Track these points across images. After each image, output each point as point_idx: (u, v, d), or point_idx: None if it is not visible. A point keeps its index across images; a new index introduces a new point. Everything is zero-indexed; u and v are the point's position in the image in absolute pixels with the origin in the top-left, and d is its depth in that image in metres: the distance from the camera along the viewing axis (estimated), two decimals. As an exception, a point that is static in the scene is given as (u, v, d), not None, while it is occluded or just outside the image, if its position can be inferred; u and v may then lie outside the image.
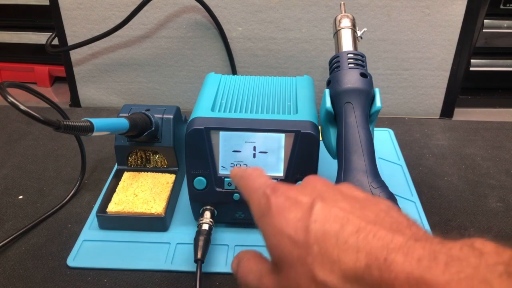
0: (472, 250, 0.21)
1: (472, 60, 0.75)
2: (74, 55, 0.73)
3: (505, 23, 0.73)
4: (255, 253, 0.32)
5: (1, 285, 0.42)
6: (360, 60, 0.45)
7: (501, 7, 0.72)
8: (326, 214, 0.26)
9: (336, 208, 0.26)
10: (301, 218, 0.26)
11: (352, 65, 0.44)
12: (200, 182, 0.45)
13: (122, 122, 0.45)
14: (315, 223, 0.26)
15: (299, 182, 0.44)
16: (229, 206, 0.46)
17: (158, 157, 0.53)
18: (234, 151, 0.44)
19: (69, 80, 0.75)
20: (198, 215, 0.46)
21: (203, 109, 0.45)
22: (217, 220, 0.47)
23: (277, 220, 0.27)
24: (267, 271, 0.29)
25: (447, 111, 0.74)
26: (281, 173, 0.44)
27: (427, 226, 0.49)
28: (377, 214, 0.26)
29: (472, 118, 0.73)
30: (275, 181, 0.31)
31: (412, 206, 0.52)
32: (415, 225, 0.26)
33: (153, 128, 0.50)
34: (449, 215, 0.51)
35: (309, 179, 0.31)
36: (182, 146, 0.54)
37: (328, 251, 0.24)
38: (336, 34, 0.48)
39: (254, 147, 0.44)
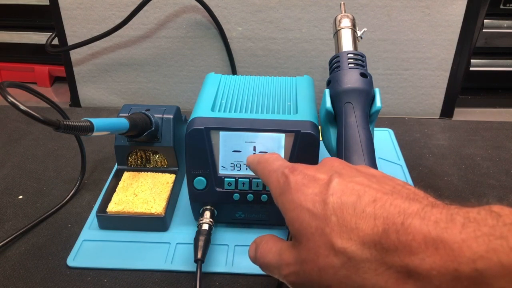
0: (489, 213, 0.22)
1: (472, 60, 0.75)
2: (74, 55, 0.73)
3: (505, 23, 0.73)
4: (272, 235, 0.32)
5: (1, 285, 0.42)
6: (360, 60, 0.45)
7: (501, 7, 0.72)
8: (343, 188, 0.27)
9: (352, 183, 0.27)
10: (318, 192, 0.27)
11: (352, 65, 0.44)
12: (200, 182, 0.45)
13: (122, 122, 0.45)
14: (332, 196, 0.26)
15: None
16: (229, 206, 0.46)
17: (158, 157, 0.53)
18: (234, 151, 0.44)
19: (69, 80, 0.75)
20: (198, 215, 0.46)
21: (203, 109, 0.45)
22: (217, 220, 0.47)
23: (296, 196, 0.28)
24: (286, 247, 0.29)
25: (447, 111, 0.74)
26: (281, 173, 0.44)
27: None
28: (394, 187, 0.27)
29: (472, 118, 0.73)
30: None
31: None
32: (431, 197, 0.26)
33: (153, 128, 0.50)
34: (449, 215, 0.51)
35: (326, 160, 0.32)
36: (182, 146, 0.54)
37: (345, 221, 0.25)
38: (336, 34, 0.48)
39: (254, 147, 0.44)
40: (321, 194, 0.27)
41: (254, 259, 0.32)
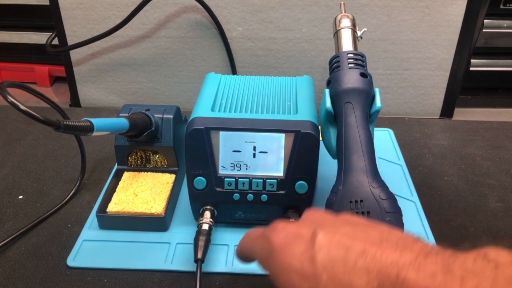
0: (487, 262, 0.21)
1: (472, 60, 0.75)
2: (74, 55, 0.73)
3: (505, 23, 0.73)
4: None
5: (1, 285, 0.42)
6: (360, 60, 0.45)
7: (501, 7, 0.72)
8: (329, 241, 0.25)
9: (338, 234, 0.26)
10: (305, 250, 0.26)
11: (352, 65, 0.44)
12: (200, 182, 0.45)
13: (122, 122, 0.45)
14: (320, 252, 0.25)
15: (300, 182, 0.44)
16: (229, 206, 0.46)
17: (158, 157, 0.53)
18: (234, 151, 0.44)
19: (69, 80, 0.75)
20: (198, 215, 0.46)
21: (203, 109, 0.45)
22: (217, 220, 0.47)
23: (282, 257, 0.27)
24: None
25: (447, 111, 0.74)
26: (281, 173, 0.44)
27: (427, 226, 0.49)
28: (381, 234, 0.26)
29: (472, 118, 0.73)
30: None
31: (412, 206, 0.52)
32: (421, 241, 0.25)
33: (153, 128, 0.50)
34: (449, 215, 0.51)
35: (308, 212, 0.31)
36: (182, 146, 0.54)
37: (337, 277, 0.24)
38: (336, 34, 0.48)
39: (254, 147, 0.44)
40: (308, 252, 0.26)
41: None
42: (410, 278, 0.22)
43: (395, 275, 0.22)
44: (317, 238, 0.26)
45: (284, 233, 0.28)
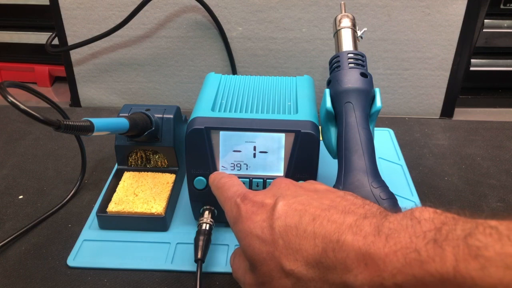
0: (410, 220, 0.24)
1: (472, 60, 0.75)
2: (74, 55, 0.73)
3: (505, 23, 0.73)
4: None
5: (1, 285, 0.42)
6: (360, 60, 0.45)
7: (501, 7, 0.72)
8: (286, 210, 0.29)
9: (295, 203, 0.29)
10: (266, 218, 0.29)
11: (352, 64, 0.44)
12: (200, 182, 0.45)
13: (122, 122, 0.45)
14: (278, 220, 0.28)
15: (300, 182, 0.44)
16: (229, 206, 0.46)
17: (158, 157, 0.53)
18: (234, 151, 0.44)
19: (69, 80, 0.75)
20: (198, 215, 0.46)
21: (203, 109, 0.45)
22: (217, 220, 0.47)
23: (246, 225, 0.30)
24: (247, 269, 0.31)
25: (447, 111, 0.74)
26: (281, 173, 0.44)
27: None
28: (333, 200, 0.29)
29: (472, 118, 0.73)
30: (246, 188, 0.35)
31: (412, 206, 0.52)
32: (370, 204, 0.28)
33: (153, 128, 0.50)
34: (449, 215, 0.51)
35: (275, 181, 0.34)
36: (182, 146, 0.54)
37: (291, 243, 0.27)
38: (336, 34, 0.48)
39: (254, 147, 0.44)
40: (268, 220, 0.29)
41: (231, 269, 0.35)
42: (347, 240, 0.25)
43: (336, 240, 0.25)
44: (277, 207, 0.29)
45: (252, 203, 0.31)
